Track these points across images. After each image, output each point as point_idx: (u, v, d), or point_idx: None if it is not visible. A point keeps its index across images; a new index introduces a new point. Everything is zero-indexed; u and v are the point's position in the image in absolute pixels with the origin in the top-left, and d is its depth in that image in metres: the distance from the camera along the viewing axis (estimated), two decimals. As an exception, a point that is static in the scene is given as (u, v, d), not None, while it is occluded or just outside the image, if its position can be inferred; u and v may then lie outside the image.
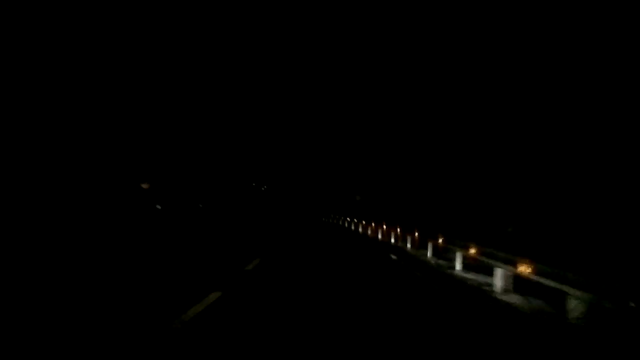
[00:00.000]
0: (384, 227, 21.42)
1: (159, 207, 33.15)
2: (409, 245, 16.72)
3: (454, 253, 11.38)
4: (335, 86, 61.93)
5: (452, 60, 24.55)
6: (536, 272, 6.65)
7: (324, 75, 66.95)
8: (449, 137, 25.88)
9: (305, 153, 72.24)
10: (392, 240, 19.40)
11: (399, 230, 18.40)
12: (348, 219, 32.28)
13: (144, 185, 31.68)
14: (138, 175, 31.97)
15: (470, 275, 9.98)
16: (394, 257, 13.35)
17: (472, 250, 9.68)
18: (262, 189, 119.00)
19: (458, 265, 10.96)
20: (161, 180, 34.92)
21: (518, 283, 7.69)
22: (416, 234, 15.80)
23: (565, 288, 5.79)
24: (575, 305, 5.64)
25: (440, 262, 12.32)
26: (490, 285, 8.40)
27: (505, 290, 7.87)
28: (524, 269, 6.94)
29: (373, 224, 24.46)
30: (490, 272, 8.63)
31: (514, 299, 7.35)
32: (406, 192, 31.24)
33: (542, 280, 6.43)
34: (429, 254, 13.77)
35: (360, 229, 27.82)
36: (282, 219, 37.79)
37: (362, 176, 34.48)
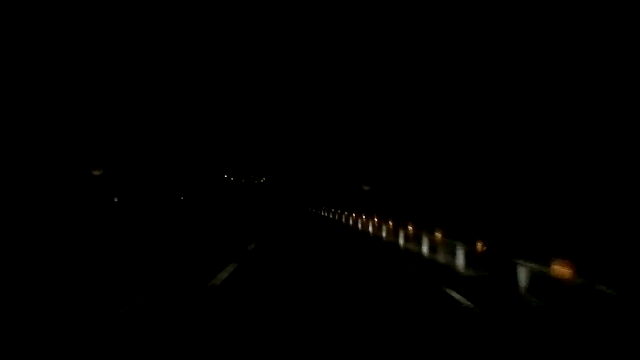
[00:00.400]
0: (410, 228, 14.57)
1: (116, 200, 26.42)
2: (460, 264, 9.88)
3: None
4: (339, 68, 54.95)
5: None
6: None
7: (325, 58, 60.03)
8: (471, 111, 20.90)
9: (307, 141, 65.27)
10: (425, 250, 12.53)
11: (439, 234, 11.51)
12: (354, 214, 25.51)
13: (96, 172, 25.01)
14: (88, 158, 25.28)
15: None
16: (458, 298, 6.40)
17: None
18: (261, 181, 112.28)
19: None
20: (121, 165, 28.31)
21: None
22: (480, 245, 8.96)
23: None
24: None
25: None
26: None
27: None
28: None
29: (391, 224, 17.61)
30: None
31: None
32: (430, 180, 24.38)
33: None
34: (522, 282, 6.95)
35: (370, 230, 21.02)
36: (270, 220, 30.83)
37: (370, 163, 27.73)
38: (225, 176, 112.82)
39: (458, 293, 6.43)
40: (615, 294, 4.95)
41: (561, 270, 5.99)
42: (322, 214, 38.62)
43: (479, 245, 9.02)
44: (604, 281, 5.25)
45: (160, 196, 33.47)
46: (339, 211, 31.10)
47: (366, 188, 25.05)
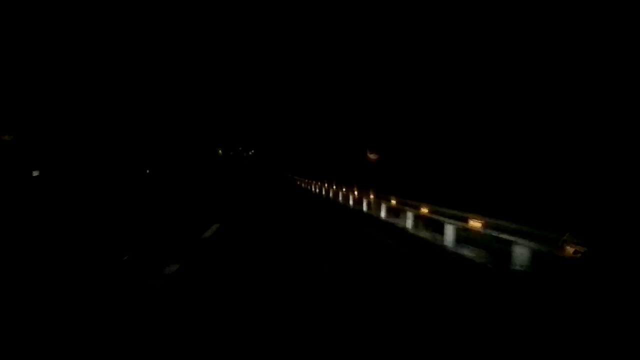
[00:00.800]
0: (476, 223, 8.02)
1: (35, 173, 19.58)
2: None
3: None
4: (333, 23, 47.59)
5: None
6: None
7: (318, 12, 52.90)
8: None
9: (299, 108, 58.04)
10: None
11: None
12: (355, 192, 18.88)
13: (5, 137, 18.03)
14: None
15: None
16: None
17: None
18: (249, 153, 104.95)
19: None
20: (48, 130, 21.34)
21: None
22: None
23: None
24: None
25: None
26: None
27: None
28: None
29: (424, 209, 10.94)
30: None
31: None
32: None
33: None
34: None
35: (382, 214, 14.46)
36: (227, 211, 24.22)
37: (378, 124, 20.88)
38: (240, 148, 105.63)
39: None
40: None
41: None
42: (314, 190, 31.78)
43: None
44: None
45: (111, 169, 26.63)
46: (334, 186, 24.41)
47: (373, 156, 18.30)
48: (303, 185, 39.99)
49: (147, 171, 34.37)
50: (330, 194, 24.92)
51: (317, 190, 30.37)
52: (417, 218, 11.65)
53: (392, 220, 13.68)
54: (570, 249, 5.14)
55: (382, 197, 14.95)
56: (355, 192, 19.05)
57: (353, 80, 27.28)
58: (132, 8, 40.30)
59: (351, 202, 19.63)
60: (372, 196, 16.24)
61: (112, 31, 37.39)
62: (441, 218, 9.54)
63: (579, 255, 4.94)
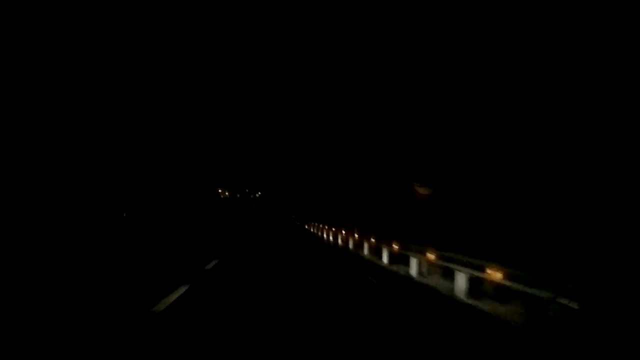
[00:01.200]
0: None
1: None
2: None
3: None
4: (339, 60, 41.96)
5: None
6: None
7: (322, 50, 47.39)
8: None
9: (315, 136, 51.51)
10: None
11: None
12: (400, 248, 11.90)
13: None
14: None
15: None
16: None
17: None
18: (256, 195, 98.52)
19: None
20: None
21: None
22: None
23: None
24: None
25: None
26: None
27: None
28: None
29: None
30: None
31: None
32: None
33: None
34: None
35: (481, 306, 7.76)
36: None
37: (428, 146, 14.26)
38: (219, 190, 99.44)
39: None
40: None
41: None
42: (337, 242, 24.73)
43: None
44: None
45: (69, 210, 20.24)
46: (359, 237, 17.44)
47: (423, 191, 11.67)
48: (326, 237, 32.62)
49: (124, 214, 27.98)
50: (365, 251, 17.88)
51: (342, 243, 23.44)
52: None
53: (480, 305, 6.88)
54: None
55: (459, 261, 8.13)
56: (395, 247, 12.10)
57: (390, 95, 20.83)
58: (127, 20, 35.28)
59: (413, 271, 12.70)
60: (431, 256, 9.36)
61: (99, 48, 32.23)
62: None
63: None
